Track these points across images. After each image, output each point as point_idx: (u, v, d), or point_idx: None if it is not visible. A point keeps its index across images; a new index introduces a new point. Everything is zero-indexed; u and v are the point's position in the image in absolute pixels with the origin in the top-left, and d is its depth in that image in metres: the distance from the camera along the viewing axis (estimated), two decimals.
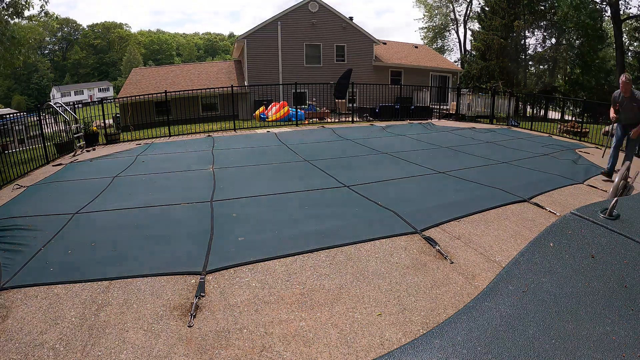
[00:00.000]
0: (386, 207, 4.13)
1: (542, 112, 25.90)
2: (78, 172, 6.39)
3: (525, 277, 1.14)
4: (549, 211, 4.07)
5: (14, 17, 12.24)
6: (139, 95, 13.16)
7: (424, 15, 41.96)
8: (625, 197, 2.57)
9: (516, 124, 12.93)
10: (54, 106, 9.19)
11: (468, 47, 34.84)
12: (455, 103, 16.00)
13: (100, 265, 2.98)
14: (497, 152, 7.42)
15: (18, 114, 9.62)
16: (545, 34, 25.73)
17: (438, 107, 16.19)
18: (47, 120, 8.44)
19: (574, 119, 16.31)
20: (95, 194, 4.91)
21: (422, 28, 41.83)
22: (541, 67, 26.91)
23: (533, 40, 29.49)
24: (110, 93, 59.92)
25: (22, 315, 2.36)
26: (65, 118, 8.82)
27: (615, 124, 5.77)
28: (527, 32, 25.01)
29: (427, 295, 2.55)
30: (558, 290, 1.08)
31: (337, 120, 13.63)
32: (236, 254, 3.11)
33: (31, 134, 8.53)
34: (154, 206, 4.36)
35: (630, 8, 28.55)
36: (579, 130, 10.32)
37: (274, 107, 14.69)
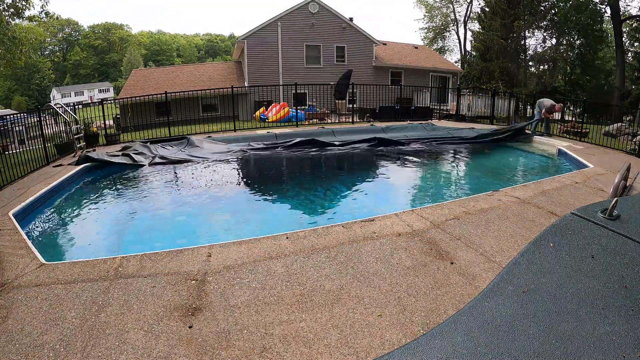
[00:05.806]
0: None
1: None
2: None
3: (525, 277, 1.14)
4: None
5: (15, 17, 12.24)
6: (140, 96, 13.16)
7: (424, 15, 41.87)
8: (625, 197, 2.57)
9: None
10: (54, 107, 9.19)
11: (468, 47, 34.81)
12: (455, 103, 15.99)
13: None
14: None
15: (18, 115, 9.62)
16: (545, 34, 25.68)
17: (438, 107, 16.19)
18: (48, 121, 8.44)
19: (574, 119, 16.29)
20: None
21: (422, 28, 41.77)
22: (541, 67, 26.86)
23: (533, 41, 29.40)
24: (111, 94, 59.90)
25: (22, 315, 2.36)
26: (66, 119, 8.82)
27: None
28: (527, 32, 24.95)
29: (428, 296, 2.55)
30: (558, 290, 1.08)
31: (337, 121, 13.62)
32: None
33: (31, 134, 8.53)
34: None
35: (630, 8, 28.57)
36: (579, 130, 10.31)
37: (274, 108, 14.70)
